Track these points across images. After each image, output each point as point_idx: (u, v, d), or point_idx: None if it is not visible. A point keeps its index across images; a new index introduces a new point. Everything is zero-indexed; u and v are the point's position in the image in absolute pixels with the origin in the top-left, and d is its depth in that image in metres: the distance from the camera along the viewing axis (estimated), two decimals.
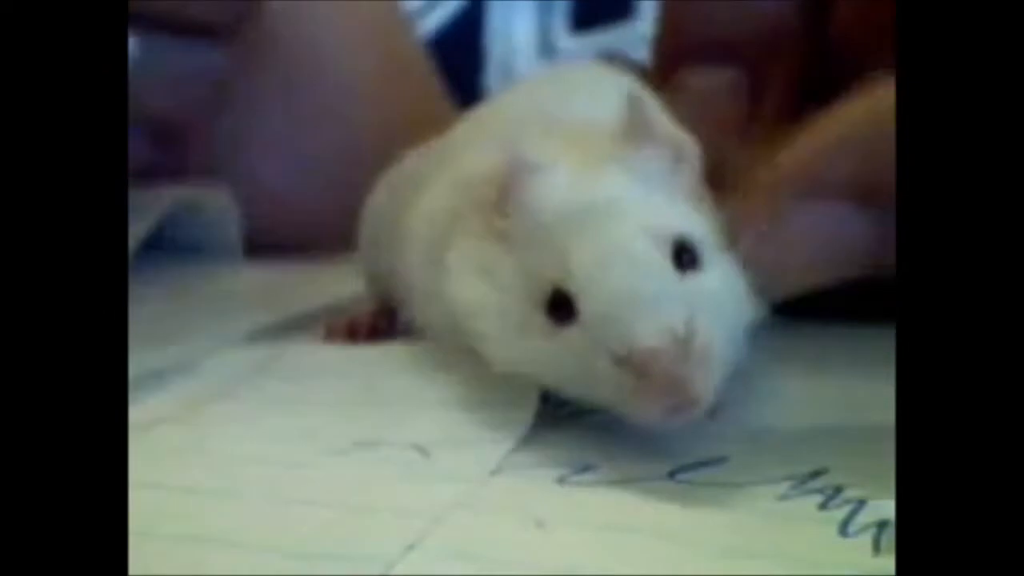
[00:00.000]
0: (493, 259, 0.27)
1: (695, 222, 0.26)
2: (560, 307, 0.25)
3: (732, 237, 0.26)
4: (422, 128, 0.36)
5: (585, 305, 0.25)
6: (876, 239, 0.25)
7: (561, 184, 0.26)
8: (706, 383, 0.24)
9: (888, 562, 0.21)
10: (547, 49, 0.62)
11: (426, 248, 0.30)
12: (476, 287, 0.27)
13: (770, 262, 0.26)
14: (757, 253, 0.26)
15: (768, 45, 0.31)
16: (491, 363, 0.27)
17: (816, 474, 0.24)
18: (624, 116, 0.27)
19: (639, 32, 0.59)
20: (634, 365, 0.24)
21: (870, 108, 0.26)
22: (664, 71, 0.32)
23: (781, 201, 0.26)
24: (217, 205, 0.48)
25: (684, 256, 0.25)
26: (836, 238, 0.26)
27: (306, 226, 0.50)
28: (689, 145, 0.28)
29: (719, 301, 0.25)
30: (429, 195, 0.31)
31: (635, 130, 0.27)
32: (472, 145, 0.31)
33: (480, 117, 0.34)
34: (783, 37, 0.31)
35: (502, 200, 0.26)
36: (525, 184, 0.26)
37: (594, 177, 0.26)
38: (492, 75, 0.64)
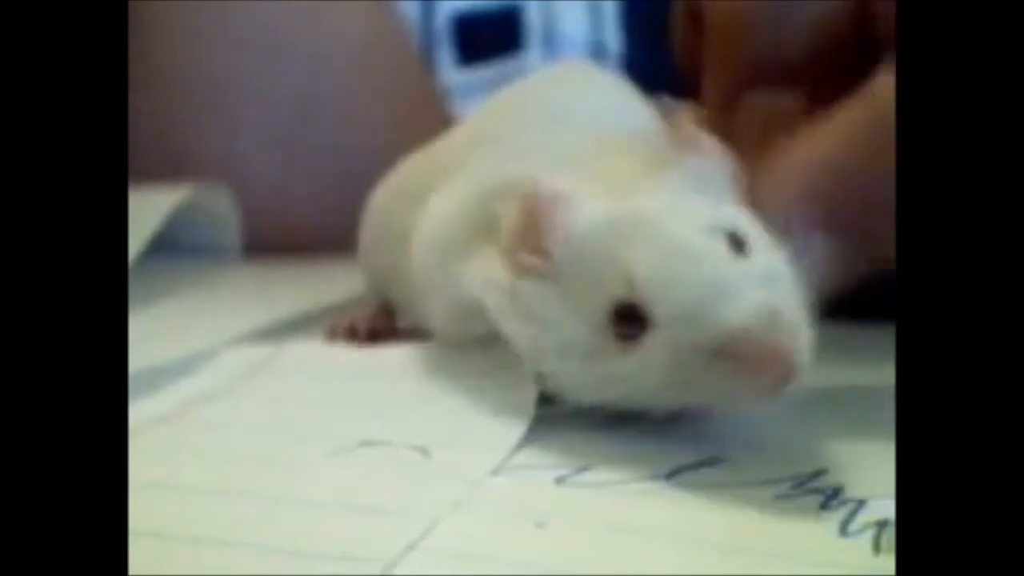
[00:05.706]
0: (534, 299, 0.26)
1: (736, 212, 0.26)
2: (627, 321, 0.25)
3: None
4: (421, 130, 0.36)
5: (660, 308, 0.24)
6: (849, 265, 0.27)
7: (594, 207, 0.26)
8: (802, 351, 0.24)
9: (888, 562, 0.20)
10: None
11: (440, 251, 0.30)
12: (523, 329, 0.26)
13: None
14: None
15: (827, 61, 0.31)
16: (565, 395, 0.26)
17: (816, 474, 0.24)
18: (664, 127, 0.27)
19: (528, 65, 0.58)
20: (731, 349, 0.24)
21: (854, 124, 0.27)
22: (726, 94, 0.32)
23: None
24: (217, 205, 0.48)
25: (737, 244, 0.25)
26: (811, 263, 0.26)
27: (305, 227, 0.51)
28: (720, 151, 0.28)
29: (782, 277, 0.25)
30: (442, 199, 0.31)
31: (678, 141, 0.27)
32: (481, 150, 0.31)
33: (483, 118, 0.34)
34: (839, 52, 0.31)
35: (532, 239, 0.26)
36: (557, 217, 0.26)
37: (628, 191, 0.26)
38: None
